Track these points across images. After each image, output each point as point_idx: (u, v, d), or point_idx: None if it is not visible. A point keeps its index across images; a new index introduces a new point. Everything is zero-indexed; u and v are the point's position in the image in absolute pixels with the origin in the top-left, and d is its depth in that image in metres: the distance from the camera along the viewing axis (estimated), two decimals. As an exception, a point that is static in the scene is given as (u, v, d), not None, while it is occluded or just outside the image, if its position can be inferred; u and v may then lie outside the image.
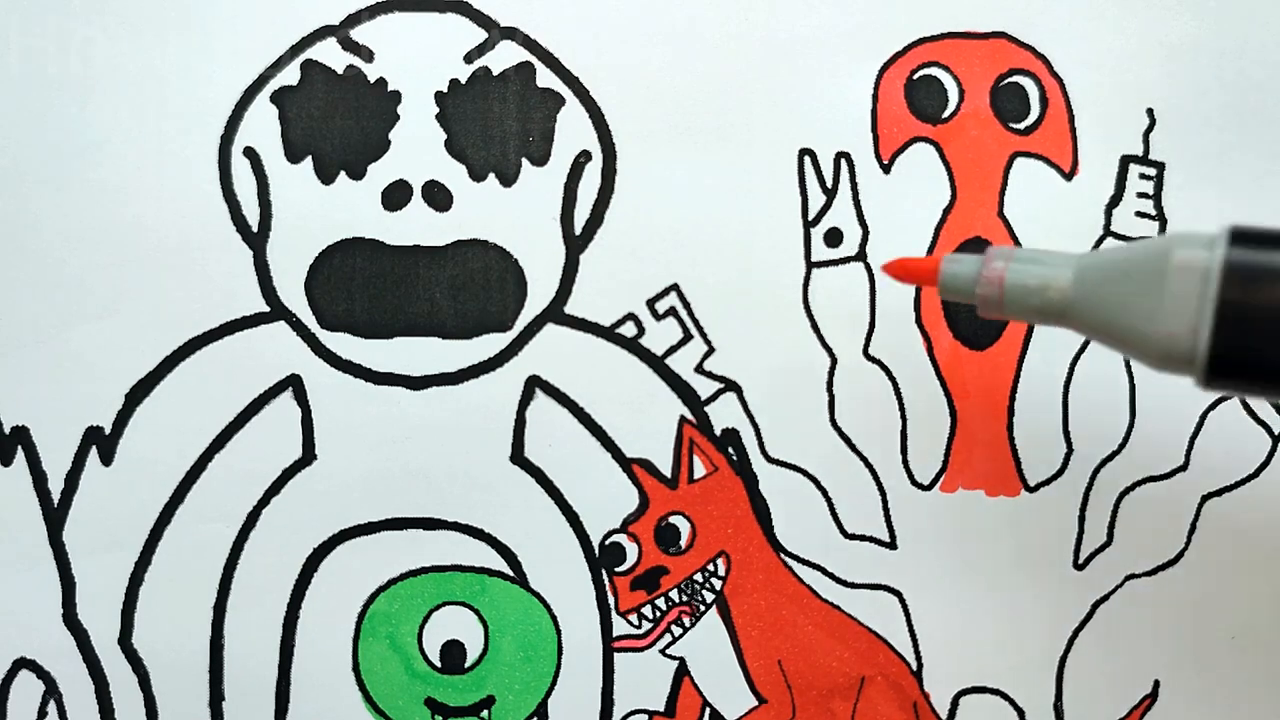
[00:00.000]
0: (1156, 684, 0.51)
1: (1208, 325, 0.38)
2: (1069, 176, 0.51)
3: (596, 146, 0.50)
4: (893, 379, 0.51)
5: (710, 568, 0.50)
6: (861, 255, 0.51)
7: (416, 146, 0.50)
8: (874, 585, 0.51)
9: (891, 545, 0.51)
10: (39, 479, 0.49)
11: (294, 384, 0.50)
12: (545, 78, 0.50)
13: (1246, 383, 0.39)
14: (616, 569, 0.50)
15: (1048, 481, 0.51)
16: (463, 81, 0.50)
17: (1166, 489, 0.51)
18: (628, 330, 0.50)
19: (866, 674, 0.50)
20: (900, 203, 0.51)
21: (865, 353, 0.51)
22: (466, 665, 0.50)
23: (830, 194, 0.51)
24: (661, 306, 0.50)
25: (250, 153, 0.50)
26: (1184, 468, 0.51)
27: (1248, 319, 0.37)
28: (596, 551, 0.50)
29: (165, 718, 0.49)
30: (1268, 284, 0.37)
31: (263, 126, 0.50)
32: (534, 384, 0.50)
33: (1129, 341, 0.40)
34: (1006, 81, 0.51)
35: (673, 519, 0.50)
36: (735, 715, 0.50)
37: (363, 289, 0.50)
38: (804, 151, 0.51)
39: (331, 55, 0.50)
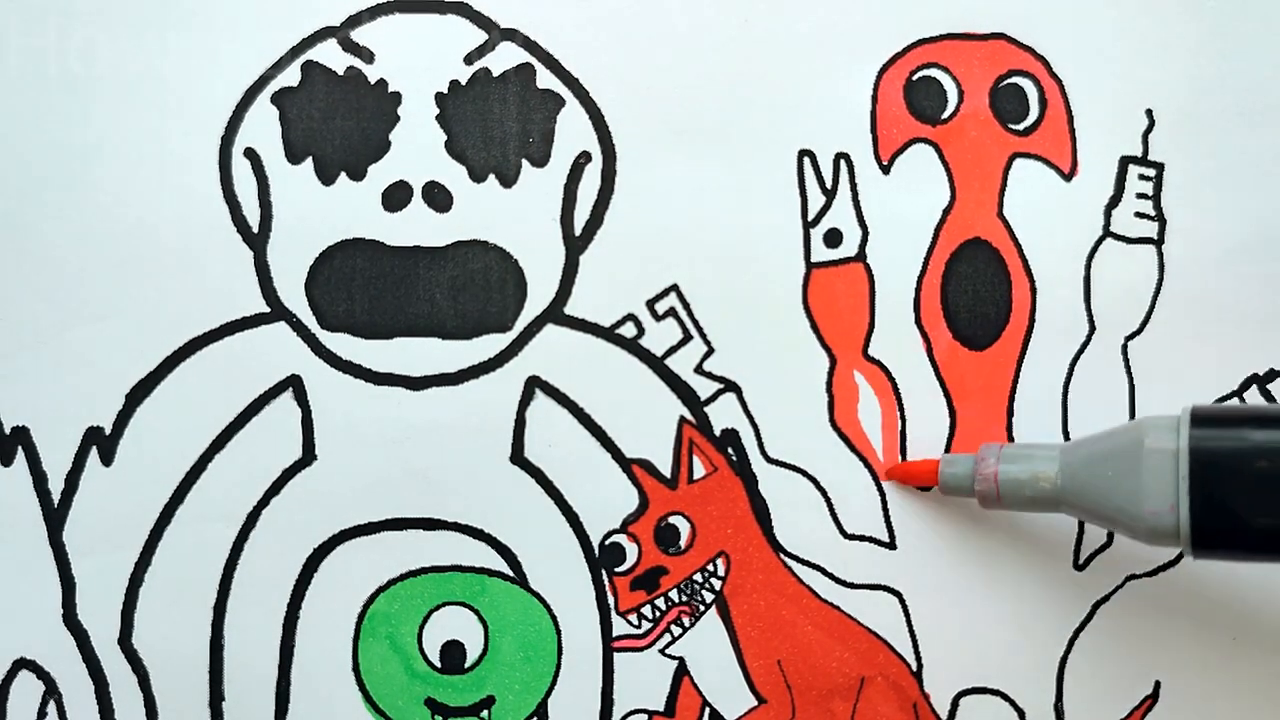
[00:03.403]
0: (1157, 685, 0.51)
1: (1185, 503, 0.42)
2: (1068, 177, 0.51)
3: (596, 147, 0.50)
4: (893, 379, 0.51)
5: (710, 568, 0.50)
6: (861, 256, 0.51)
7: (417, 147, 0.50)
8: (874, 585, 0.51)
9: (891, 545, 0.51)
10: (39, 479, 0.49)
11: (294, 384, 0.50)
12: (545, 79, 0.50)
13: (1230, 550, 0.43)
14: (616, 569, 0.50)
15: (1048, 482, 0.51)
16: (463, 83, 0.50)
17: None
18: (628, 331, 0.50)
19: (866, 674, 0.50)
20: (900, 203, 0.51)
21: (864, 353, 0.51)
22: (466, 665, 0.50)
23: (830, 195, 0.51)
24: (661, 307, 0.50)
25: (251, 153, 0.50)
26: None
27: (1218, 493, 0.42)
28: (596, 551, 0.50)
29: (165, 718, 0.49)
30: (1229, 460, 0.42)
31: (263, 127, 0.50)
32: (534, 384, 0.50)
33: (1118, 522, 0.44)
34: (1006, 82, 0.51)
35: (672, 519, 0.50)
36: (735, 715, 0.50)
37: (363, 289, 0.50)
38: (803, 152, 0.51)
39: (332, 56, 0.50)
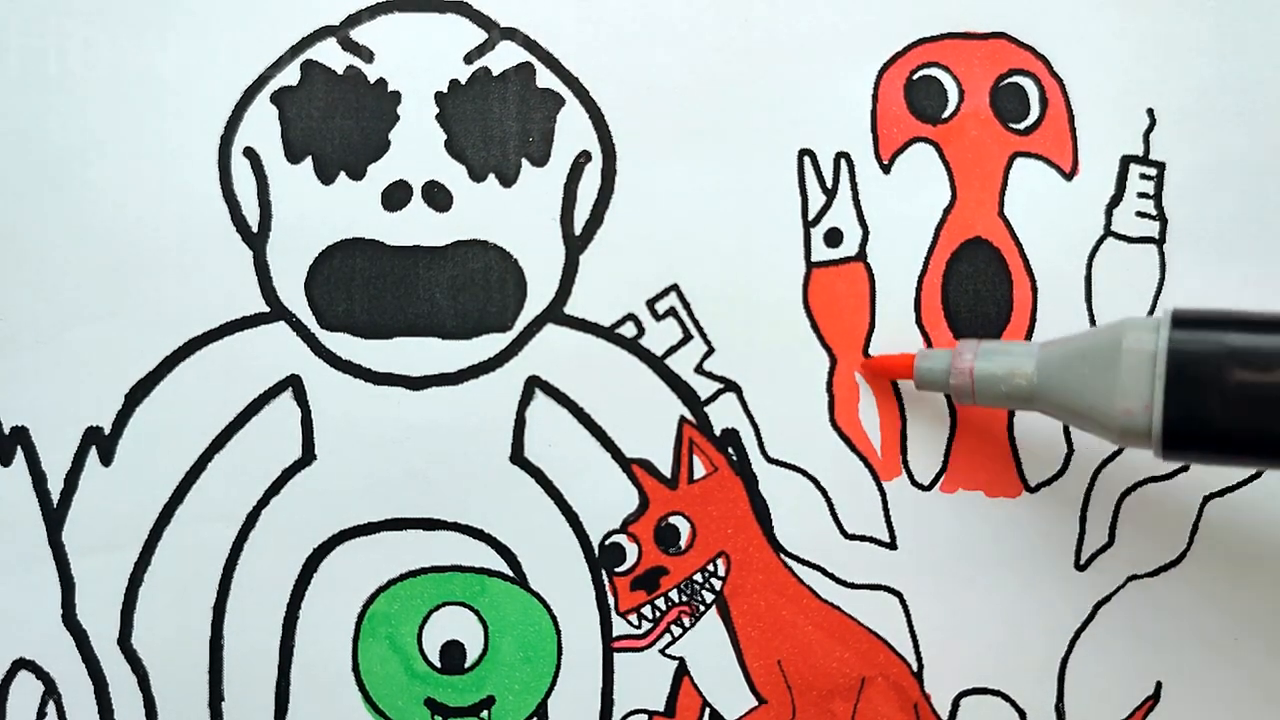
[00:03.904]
0: (1159, 685, 0.51)
1: (1159, 403, 0.42)
2: (1069, 176, 0.51)
3: (596, 147, 0.50)
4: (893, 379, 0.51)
5: (710, 568, 0.50)
6: (861, 255, 0.51)
7: (416, 147, 0.50)
8: (874, 585, 0.50)
9: (891, 545, 0.51)
10: (38, 479, 0.49)
11: (294, 384, 0.50)
12: (545, 78, 0.50)
13: (1199, 453, 0.43)
14: (616, 569, 0.50)
15: (1048, 482, 0.51)
16: (463, 82, 0.50)
17: (1168, 489, 0.51)
18: (628, 330, 0.50)
19: (867, 674, 0.50)
20: (900, 203, 0.51)
21: (865, 353, 0.51)
22: (466, 665, 0.50)
23: (830, 194, 0.51)
24: (661, 307, 0.50)
25: (250, 153, 0.50)
26: (1185, 468, 0.51)
27: (1193, 396, 0.42)
28: (596, 552, 0.50)
29: (165, 718, 0.49)
30: (1207, 364, 0.42)
31: (263, 127, 0.50)
32: (534, 384, 0.50)
33: (1091, 419, 0.44)
34: (1006, 82, 0.51)
35: (672, 519, 0.50)
36: (735, 715, 0.50)
37: (363, 289, 0.50)
38: (804, 151, 0.51)
39: (331, 55, 0.50)
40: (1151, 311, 0.51)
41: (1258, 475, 0.51)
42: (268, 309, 0.50)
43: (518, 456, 0.50)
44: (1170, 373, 0.42)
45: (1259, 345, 0.41)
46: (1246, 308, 0.45)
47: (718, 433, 0.50)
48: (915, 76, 0.51)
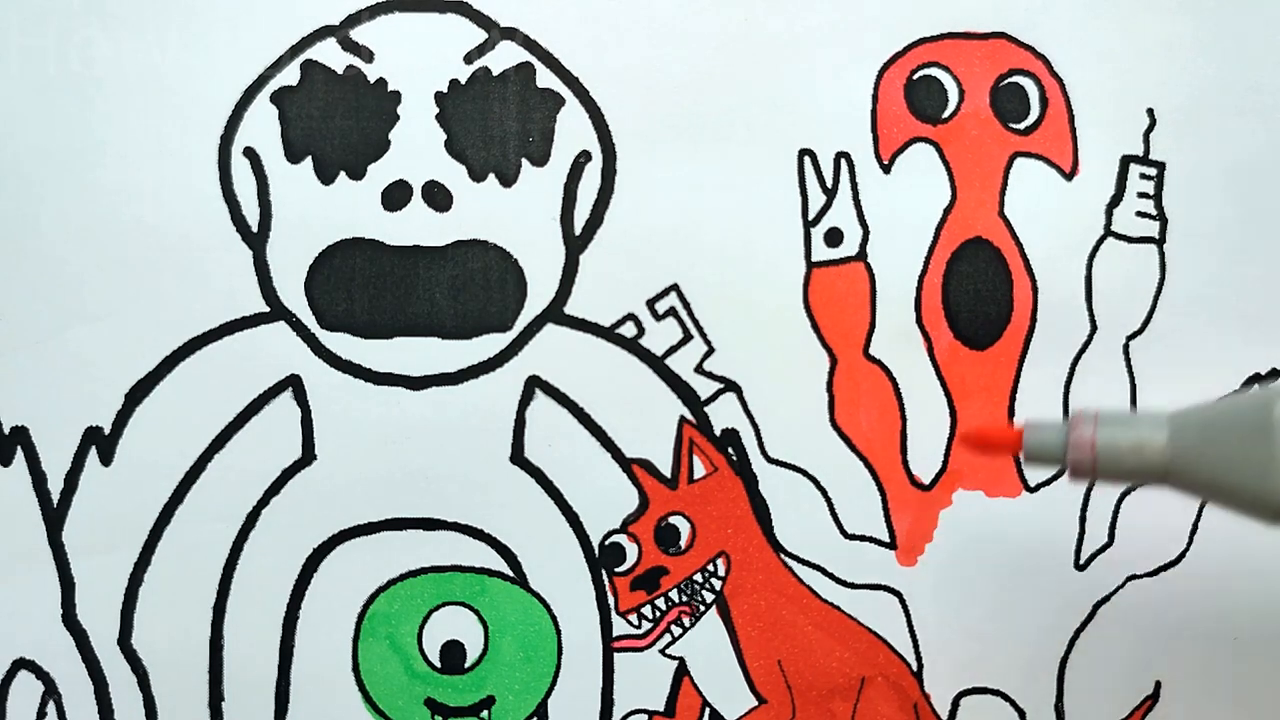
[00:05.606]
0: (1158, 685, 0.51)
1: None
2: (1069, 176, 0.51)
3: (596, 146, 0.50)
4: (893, 379, 0.51)
5: (710, 568, 0.50)
6: (861, 255, 0.51)
7: (416, 147, 0.50)
8: (874, 585, 0.50)
9: (891, 545, 0.51)
10: (38, 479, 0.49)
11: (294, 384, 0.50)
12: (545, 78, 0.50)
13: None
14: (616, 569, 0.50)
15: (1048, 482, 0.51)
16: (463, 82, 0.50)
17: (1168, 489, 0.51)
18: (628, 330, 0.50)
19: (867, 674, 0.50)
20: (900, 203, 0.51)
21: (865, 353, 0.51)
22: (466, 665, 0.50)
23: (830, 194, 0.51)
24: (661, 306, 0.50)
25: (250, 153, 0.50)
26: (1185, 468, 0.51)
27: None
28: (596, 552, 0.50)
29: (165, 718, 0.49)
30: None
31: (263, 126, 0.50)
32: (534, 384, 0.50)
33: (1240, 499, 0.39)
34: (1006, 82, 0.51)
35: (672, 519, 0.50)
36: (735, 715, 0.50)
37: (363, 289, 0.50)
38: (804, 151, 0.51)
39: (331, 55, 0.50)
40: (1152, 310, 0.51)
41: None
42: (268, 309, 0.50)
43: (518, 456, 0.50)
44: None
45: None
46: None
47: (718, 433, 0.50)
48: (915, 76, 0.51)
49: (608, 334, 0.50)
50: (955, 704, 0.51)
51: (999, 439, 0.42)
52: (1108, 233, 0.51)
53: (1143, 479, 0.41)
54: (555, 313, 0.50)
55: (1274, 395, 0.39)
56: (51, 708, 0.49)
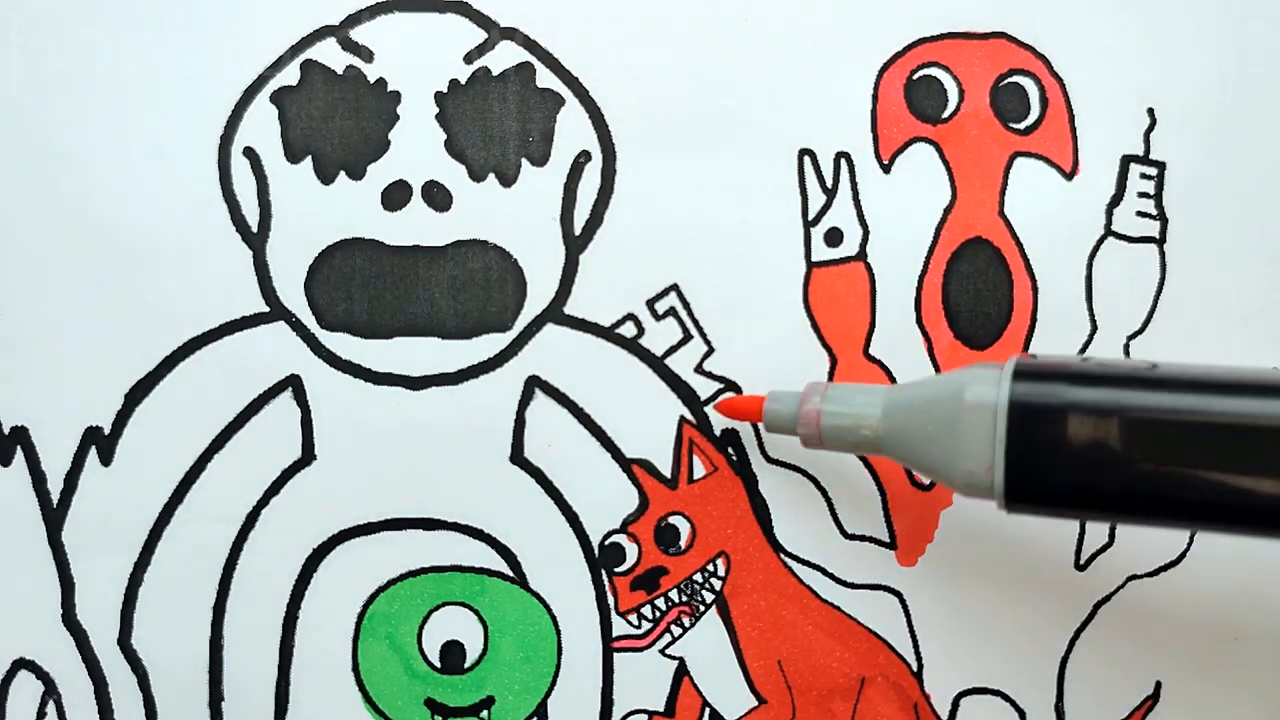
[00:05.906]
0: (1158, 685, 0.51)
1: (1000, 461, 0.40)
2: (1069, 176, 0.51)
3: (596, 146, 0.50)
4: (893, 379, 0.51)
5: (710, 568, 0.50)
6: (861, 255, 0.51)
7: (416, 146, 0.50)
8: (874, 585, 0.50)
9: (891, 545, 0.51)
10: (38, 479, 0.49)
11: (294, 384, 0.50)
12: (545, 78, 0.50)
13: (1044, 508, 0.42)
14: (616, 569, 0.50)
15: (1048, 482, 0.51)
16: (462, 82, 0.50)
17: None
18: (628, 330, 0.50)
19: (867, 674, 0.50)
20: (900, 203, 0.51)
21: (865, 353, 0.51)
22: (466, 665, 0.50)
23: (830, 194, 0.51)
24: (661, 306, 0.50)
25: (250, 153, 0.50)
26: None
27: (1035, 452, 0.40)
28: (596, 552, 0.50)
29: (165, 718, 0.49)
30: (1048, 418, 0.40)
31: (262, 126, 0.50)
32: (534, 384, 0.50)
33: (936, 473, 0.43)
34: (1006, 81, 0.51)
35: (672, 519, 0.50)
36: (735, 715, 0.50)
37: (362, 289, 0.50)
38: (804, 151, 0.51)
39: (331, 55, 0.50)
40: (1152, 311, 0.51)
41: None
42: (268, 309, 0.50)
43: (518, 456, 0.50)
44: (1011, 429, 0.40)
45: (1097, 400, 0.40)
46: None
47: (718, 433, 0.50)
48: (915, 76, 0.51)
49: (608, 334, 0.50)
50: (955, 704, 0.51)
51: (744, 408, 0.48)
52: (1108, 233, 0.51)
53: (864, 450, 0.45)
54: (555, 313, 0.50)
55: (967, 380, 0.42)
56: (51, 708, 0.49)
